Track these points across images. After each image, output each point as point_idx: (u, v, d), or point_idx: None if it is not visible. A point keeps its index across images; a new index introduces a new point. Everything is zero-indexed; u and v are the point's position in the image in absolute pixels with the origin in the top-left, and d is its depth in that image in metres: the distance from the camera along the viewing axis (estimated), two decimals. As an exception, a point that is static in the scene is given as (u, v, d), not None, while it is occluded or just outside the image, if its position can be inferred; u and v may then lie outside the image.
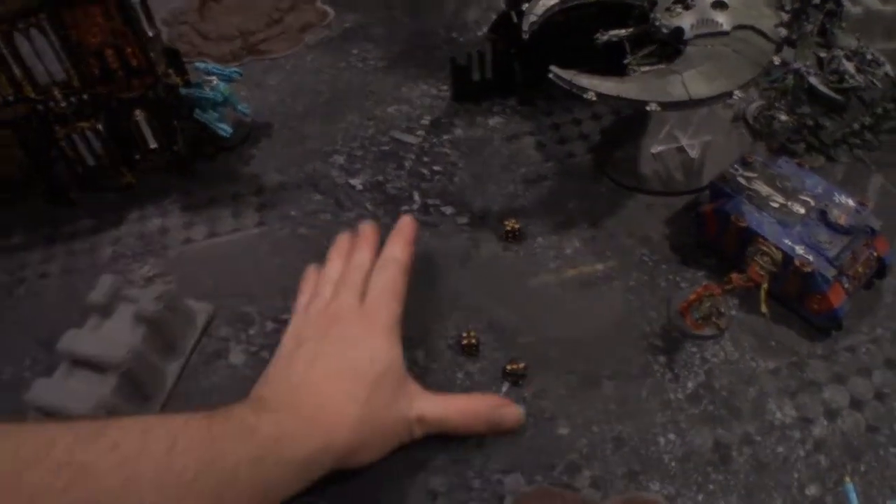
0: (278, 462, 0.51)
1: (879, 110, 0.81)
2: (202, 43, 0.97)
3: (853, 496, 0.51)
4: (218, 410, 0.52)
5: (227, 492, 0.49)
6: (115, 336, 0.64)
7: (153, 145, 0.78)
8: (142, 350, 0.62)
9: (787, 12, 0.71)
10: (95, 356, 0.61)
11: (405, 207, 0.77)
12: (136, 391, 0.62)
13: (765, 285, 0.62)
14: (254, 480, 0.50)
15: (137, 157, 0.80)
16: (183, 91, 0.78)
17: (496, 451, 0.59)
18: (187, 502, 0.48)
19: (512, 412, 0.60)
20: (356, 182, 0.80)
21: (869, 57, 0.82)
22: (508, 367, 0.63)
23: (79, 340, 0.63)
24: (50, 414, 0.59)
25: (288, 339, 0.61)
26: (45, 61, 0.72)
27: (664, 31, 0.67)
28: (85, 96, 0.74)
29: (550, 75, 0.62)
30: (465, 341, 0.65)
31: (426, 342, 0.66)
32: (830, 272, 0.63)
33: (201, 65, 0.81)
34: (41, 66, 0.73)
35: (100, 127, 0.75)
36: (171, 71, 0.78)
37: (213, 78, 0.80)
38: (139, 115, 0.77)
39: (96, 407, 0.58)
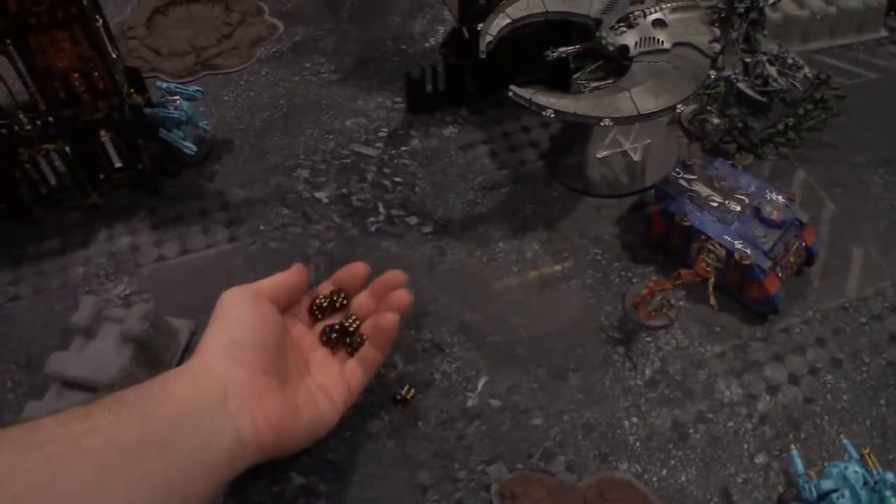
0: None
1: (801, 111, 0.89)
2: (154, 58, 0.98)
3: (798, 461, 0.58)
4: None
5: None
6: (102, 356, 0.65)
7: (119, 164, 0.80)
8: (131, 369, 0.64)
9: (717, 26, 0.77)
10: (86, 377, 0.63)
11: (371, 219, 0.80)
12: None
13: (712, 280, 0.68)
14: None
15: (102, 176, 0.81)
16: (147, 111, 0.80)
17: (478, 443, 0.64)
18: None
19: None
20: (322, 195, 0.83)
21: (790, 61, 0.89)
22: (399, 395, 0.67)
23: (67, 362, 0.65)
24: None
25: None
26: (9, 85, 0.73)
27: (611, 48, 0.72)
28: (50, 119, 0.75)
29: (510, 94, 0.67)
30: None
31: (402, 346, 0.70)
32: (766, 264, 0.70)
33: (163, 84, 0.83)
34: (5, 90, 0.74)
35: (66, 148, 0.77)
36: (132, 90, 0.80)
37: (177, 97, 0.82)
38: (105, 135, 0.78)
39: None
